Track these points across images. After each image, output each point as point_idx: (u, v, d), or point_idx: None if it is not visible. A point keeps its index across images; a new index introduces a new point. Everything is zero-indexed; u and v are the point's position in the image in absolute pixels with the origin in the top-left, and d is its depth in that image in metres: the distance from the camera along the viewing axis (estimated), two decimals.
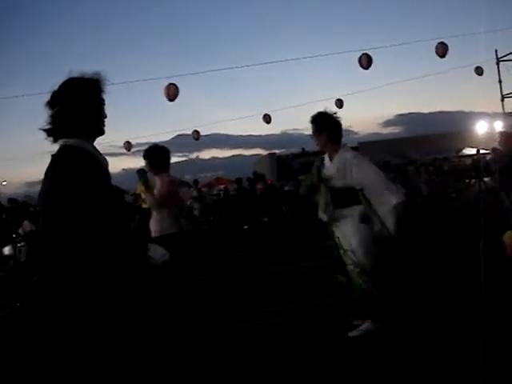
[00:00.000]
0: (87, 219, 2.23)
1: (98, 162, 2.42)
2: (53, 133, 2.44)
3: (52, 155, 2.39)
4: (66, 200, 2.22)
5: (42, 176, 2.36)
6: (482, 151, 23.35)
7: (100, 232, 2.27)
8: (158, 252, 2.60)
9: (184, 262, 5.07)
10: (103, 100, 2.56)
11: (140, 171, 5.82)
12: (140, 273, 2.47)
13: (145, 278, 2.51)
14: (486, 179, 17.76)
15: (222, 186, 28.53)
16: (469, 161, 23.86)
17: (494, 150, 10.28)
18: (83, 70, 2.50)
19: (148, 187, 5.34)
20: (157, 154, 5.38)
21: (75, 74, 2.48)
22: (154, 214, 5.30)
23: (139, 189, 12.05)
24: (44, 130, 2.44)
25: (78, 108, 2.41)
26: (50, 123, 2.44)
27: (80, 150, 2.36)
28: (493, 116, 25.12)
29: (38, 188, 2.39)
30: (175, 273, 5.08)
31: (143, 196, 11.70)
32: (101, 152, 2.52)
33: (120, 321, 2.31)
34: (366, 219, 4.52)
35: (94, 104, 2.49)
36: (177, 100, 17.26)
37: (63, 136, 2.41)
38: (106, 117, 2.58)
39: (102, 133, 2.57)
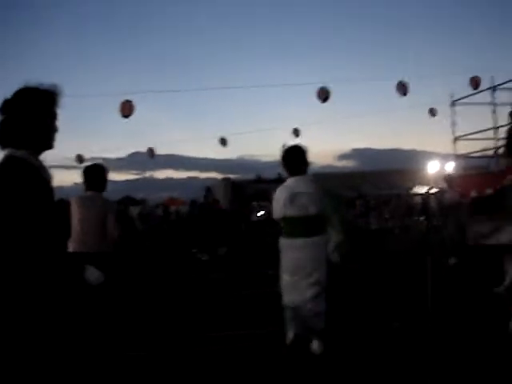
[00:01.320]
0: (20, 235, 2.18)
1: (40, 176, 2.33)
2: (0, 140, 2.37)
3: None
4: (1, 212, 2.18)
5: None
6: (432, 190, 23.89)
7: (33, 249, 2.20)
8: (93, 274, 2.56)
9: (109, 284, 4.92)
10: (55, 113, 2.48)
11: None
12: (75, 293, 2.42)
13: (81, 298, 2.50)
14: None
15: (174, 207, 28.27)
16: (419, 199, 24.34)
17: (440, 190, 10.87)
18: (39, 80, 2.44)
19: None
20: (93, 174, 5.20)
21: (31, 84, 2.40)
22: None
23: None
24: None
25: (27, 119, 2.34)
26: None
27: (23, 161, 2.29)
28: (444, 157, 25.77)
29: None
30: (107, 294, 4.94)
31: None
32: (46, 166, 2.43)
33: (51, 342, 2.24)
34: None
35: (45, 116, 2.42)
36: (135, 118, 17.07)
37: (9, 145, 2.33)
38: (56, 131, 2.49)
39: (50, 147, 2.48)
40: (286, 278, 4.74)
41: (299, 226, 4.69)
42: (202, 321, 6.23)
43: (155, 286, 8.91)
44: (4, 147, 2.35)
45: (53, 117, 2.47)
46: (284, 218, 4.78)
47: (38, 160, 2.39)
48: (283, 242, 4.83)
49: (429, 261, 4.03)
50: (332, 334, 4.74)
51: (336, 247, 4.69)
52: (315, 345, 4.61)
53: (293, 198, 4.67)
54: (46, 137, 2.44)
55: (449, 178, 11.22)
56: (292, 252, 4.68)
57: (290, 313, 4.75)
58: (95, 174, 5.20)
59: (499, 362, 4.27)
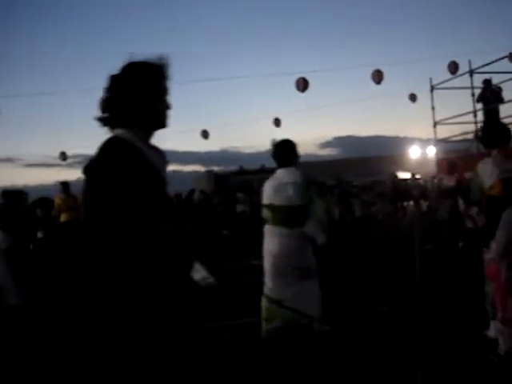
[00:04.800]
0: (121, 226, 1.99)
1: (145, 159, 2.14)
2: (107, 121, 2.23)
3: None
4: (101, 198, 2.02)
5: None
6: (417, 175, 24.15)
7: (137, 245, 2.01)
8: (201, 273, 2.39)
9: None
10: (166, 88, 2.32)
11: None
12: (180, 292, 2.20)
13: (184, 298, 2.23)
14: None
15: None
16: (403, 184, 24.47)
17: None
18: (147, 51, 2.26)
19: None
20: None
21: (137, 58, 2.25)
22: None
23: (56, 202, 11.77)
24: (98, 119, 2.24)
25: (134, 96, 2.19)
26: (104, 111, 2.24)
27: (125, 142, 2.13)
28: (425, 142, 25.97)
29: None
30: None
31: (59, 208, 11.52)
32: (158, 147, 2.29)
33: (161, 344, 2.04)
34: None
35: (156, 92, 2.26)
36: None
37: (118, 125, 2.19)
38: (168, 107, 2.33)
39: (163, 125, 2.32)
40: (268, 265, 4.77)
41: (283, 214, 4.74)
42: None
43: None
44: (113, 127, 2.22)
45: (164, 92, 2.31)
46: (269, 206, 4.86)
47: (147, 141, 2.24)
48: (267, 228, 4.89)
49: (416, 245, 4.07)
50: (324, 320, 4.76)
51: (319, 229, 4.70)
52: (315, 326, 4.63)
53: (279, 187, 4.77)
54: (157, 114, 2.29)
55: (449, 164, 11.28)
56: (274, 238, 4.74)
57: (270, 303, 4.74)
58: None
59: (486, 346, 4.34)
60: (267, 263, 4.82)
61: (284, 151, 4.94)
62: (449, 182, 10.57)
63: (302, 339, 4.52)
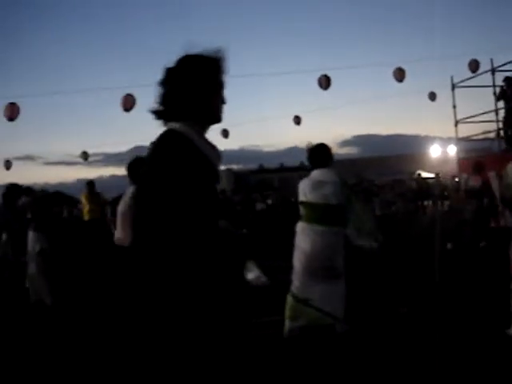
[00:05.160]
0: (176, 223, 1.92)
1: (201, 153, 2.08)
2: (162, 115, 2.20)
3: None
4: (158, 192, 1.96)
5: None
6: (440, 175, 23.91)
7: (190, 241, 1.94)
8: (254, 272, 2.29)
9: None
10: (222, 82, 2.27)
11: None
12: (233, 292, 2.14)
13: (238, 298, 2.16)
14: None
15: None
16: (425, 184, 24.26)
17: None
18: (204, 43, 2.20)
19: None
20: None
21: (194, 50, 2.20)
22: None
23: (84, 200, 12.02)
24: (153, 112, 2.21)
25: (190, 89, 2.14)
26: (159, 104, 2.20)
27: (182, 136, 2.08)
28: (446, 141, 25.75)
29: None
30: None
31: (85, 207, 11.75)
32: (211, 142, 2.22)
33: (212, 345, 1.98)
34: None
35: (210, 86, 2.20)
36: (136, 111, 17.11)
37: (173, 119, 2.15)
38: (224, 102, 2.28)
39: (218, 120, 2.27)
40: (298, 263, 4.83)
41: (318, 212, 4.81)
42: None
43: None
44: (167, 121, 2.18)
45: (220, 86, 2.25)
46: (304, 203, 4.95)
47: (202, 135, 2.19)
48: (300, 225, 4.95)
49: (437, 245, 4.07)
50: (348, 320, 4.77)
51: (366, 233, 4.76)
52: (338, 326, 4.67)
53: (315, 185, 4.88)
54: (213, 108, 2.23)
55: (475, 164, 11.17)
56: (307, 236, 4.80)
57: (296, 302, 4.77)
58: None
59: (506, 348, 4.33)
60: (297, 261, 4.87)
61: (320, 154, 5.05)
62: (474, 182, 10.46)
63: (325, 339, 4.55)
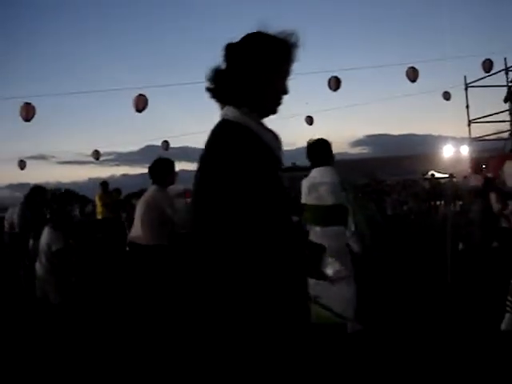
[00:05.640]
0: (246, 218, 1.77)
1: (263, 143, 1.90)
2: (217, 94, 2.00)
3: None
4: (219, 188, 1.79)
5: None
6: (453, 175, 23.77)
7: (264, 235, 1.79)
8: (333, 266, 2.07)
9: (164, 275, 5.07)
10: (288, 71, 2.02)
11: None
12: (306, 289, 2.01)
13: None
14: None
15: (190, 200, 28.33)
16: (437, 184, 24.17)
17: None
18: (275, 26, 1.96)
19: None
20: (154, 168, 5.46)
21: (266, 29, 1.96)
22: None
23: (97, 199, 12.25)
24: (208, 89, 2.01)
25: (251, 70, 1.93)
26: (214, 82, 1.99)
27: (240, 126, 1.89)
28: (459, 141, 25.60)
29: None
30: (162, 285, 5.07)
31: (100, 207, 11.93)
32: (270, 129, 2.00)
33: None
34: None
35: (274, 71, 1.96)
36: (148, 111, 17.18)
37: (230, 102, 1.95)
38: (285, 92, 2.03)
39: (273, 111, 2.04)
40: None
41: (315, 214, 4.78)
42: None
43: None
44: (224, 103, 1.99)
45: (285, 74, 2.01)
46: (304, 205, 4.92)
47: (259, 123, 1.97)
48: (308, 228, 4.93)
49: (448, 245, 4.06)
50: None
51: (357, 238, 4.72)
52: (349, 326, 4.66)
53: (311, 187, 4.84)
54: (272, 96, 2.00)
55: (474, 163, 11.12)
56: (317, 238, 4.77)
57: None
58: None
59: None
60: None
61: (318, 151, 4.94)
62: (476, 181, 10.40)
63: (335, 338, 4.54)
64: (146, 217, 5.28)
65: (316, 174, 4.89)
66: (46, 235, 6.21)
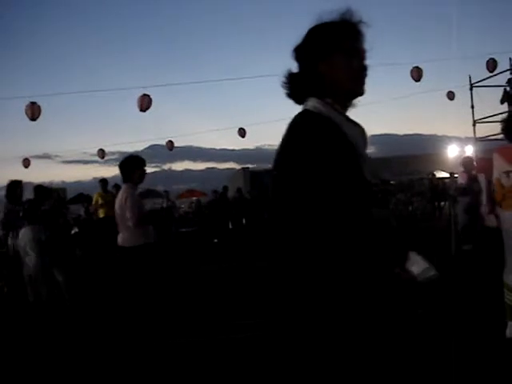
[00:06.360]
0: (328, 213, 1.70)
1: (344, 135, 1.82)
2: (296, 97, 1.99)
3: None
4: (298, 182, 1.73)
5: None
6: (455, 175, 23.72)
7: (347, 235, 1.73)
8: (420, 265, 1.94)
9: (150, 275, 5.04)
10: (359, 49, 1.96)
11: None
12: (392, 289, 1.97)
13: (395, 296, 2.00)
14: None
15: (195, 199, 28.37)
16: (440, 183, 24.11)
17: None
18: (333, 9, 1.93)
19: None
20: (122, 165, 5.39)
21: (323, 19, 1.94)
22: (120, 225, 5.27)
23: (95, 198, 12.23)
24: (287, 95, 2.00)
25: (322, 62, 1.90)
26: (290, 86, 1.98)
27: (320, 117, 1.83)
28: (464, 141, 25.52)
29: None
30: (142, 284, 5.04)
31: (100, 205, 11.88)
32: (353, 120, 1.95)
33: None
34: None
35: (344, 55, 1.91)
36: (152, 110, 17.19)
37: (307, 96, 1.92)
38: (365, 71, 1.97)
39: (357, 93, 1.97)
40: None
41: None
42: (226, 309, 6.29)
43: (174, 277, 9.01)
44: (301, 102, 1.95)
45: (356, 53, 1.94)
46: None
47: (344, 114, 1.93)
48: None
49: (453, 246, 4.03)
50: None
51: None
52: None
53: None
54: (350, 80, 1.93)
55: (463, 162, 11.04)
56: None
57: None
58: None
59: None
60: None
61: None
62: (462, 179, 10.32)
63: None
64: (122, 218, 5.23)
65: None
66: (26, 233, 6.20)
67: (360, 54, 1.96)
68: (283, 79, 1.99)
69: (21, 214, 6.53)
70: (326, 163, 1.71)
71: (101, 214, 11.82)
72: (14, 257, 6.59)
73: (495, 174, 4.60)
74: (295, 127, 1.86)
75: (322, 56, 1.91)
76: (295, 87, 1.98)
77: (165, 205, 17.80)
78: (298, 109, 1.95)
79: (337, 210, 1.71)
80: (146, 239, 5.16)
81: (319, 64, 1.91)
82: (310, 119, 1.84)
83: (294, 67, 1.99)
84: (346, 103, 1.96)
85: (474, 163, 10.95)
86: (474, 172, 10.31)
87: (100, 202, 11.79)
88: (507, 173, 4.45)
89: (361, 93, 1.96)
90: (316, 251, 1.72)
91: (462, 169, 10.46)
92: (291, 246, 1.78)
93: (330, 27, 1.94)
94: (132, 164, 5.35)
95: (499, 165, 4.57)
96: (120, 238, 5.23)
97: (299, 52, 1.97)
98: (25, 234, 6.20)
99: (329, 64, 1.91)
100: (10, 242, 6.84)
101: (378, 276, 1.84)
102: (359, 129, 1.95)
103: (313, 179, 1.71)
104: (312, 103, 1.90)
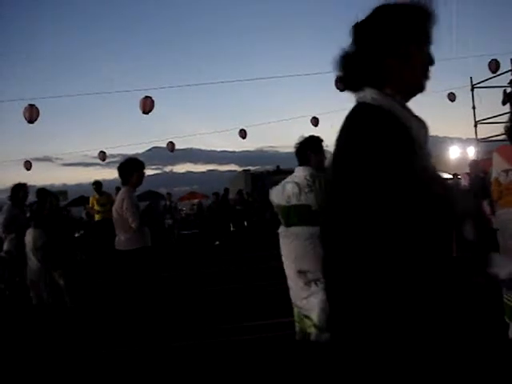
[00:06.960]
0: (384, 208, 1.52)
1: (407, 131, 1.61)
2: (350, 82, 1.77)
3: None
4: (354, 180, 1.57)
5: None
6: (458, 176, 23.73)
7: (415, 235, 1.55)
8: (508, 268, 1.84)
9: (148, 278, 5.02)
10: (428, 37, 1.72)
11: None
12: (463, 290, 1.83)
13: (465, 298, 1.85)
14: None
15: (196, 201, 28.38)
16: None
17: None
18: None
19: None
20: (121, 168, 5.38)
21: (389, 1, 1.70)
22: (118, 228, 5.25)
23: (91, 202, 12.19)
24: (339, 79, 1.79)
25: (385, 48, 1.67)
26: (345, 69, 1.76)
27: (381, 110, 1.63)
28: (466, 142, 25.51)
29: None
30: (140, 288, 5.02)
31: (96, 208, 11.85)
32: (415, 115, 1.73)
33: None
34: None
35: (410, 42, 1.68)
36: (153, 113, 17.17)
37: (365, 83, 1.71)
38: (431, 63, 1.75)
39: (419, 88, 1.76)
40: (285, 267, 4.63)
41: (282, 215, 4.63)
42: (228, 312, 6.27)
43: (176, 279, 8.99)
44: (357, 90, 1.75)
45: (424, 43, 1.72)
46: (277, 206, 4.75)
47: (406, 107, 1.72)
48: (280, 229, 4.74)
49: (454, 248, 3.98)
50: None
51: None
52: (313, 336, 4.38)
53: (281, 187, 4.67)
54: (415, 71, 1.72)
55: (471, 163, 11.03)
56: (281, 239, 4.65)
57: (294, 305, 4.62)
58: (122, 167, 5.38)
59: None
60: (284, 265, 4.66)
61: (300, 149, 4.67)
62: (464, 180, 10.33)
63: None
64: (120, 221, 5.20)
65: (294, 173, 4.66)
66: (30, 236, 6.21)
67: (429, 45, 1.74)
68: (338, 59, 1.76)
69: (28, 215, 6.52)
70: (389, 163, 1.52)
71: (97, 216, 11.82)
72: (15, 259, 6.58)
73: (494, 173, 4.65)
74: (353, 124, 1.68)
75: (394, 48, 1.68)
76: (352, 73, 1.75)
77: (167, 204, 17.88)
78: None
79: (415, 219, 1.54)
80: (143, 242, 5.14)
81: (388, 56, 1.68)
82: (369, 114, 1.64)
83: (350, 47, 1.75)
84: (407, 97, 1.75)
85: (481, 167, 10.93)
86: (481, 174, 10.31)
87: (95, 205, 11.76)
88: (506, 171, 4.51)
89: (423, 89, 1.78)
90: (397, 265, 1.57)
91: (466, 170, 10.46)
92: (364, 256, 1.59)
93: (404, 11, 1.69)
94: (130, 167, 5.34)
95: (498, 163, 4.64)
96: (117, 241, 5.21)
97: (363, 35, 1.72)
98: (29, 238, 6.21)
99: (401, 57, 1.68)
100: (11, 244, 6.82)
101: (460, 283, 1.78)
102: (422, 124, 1.74)
103: (385, 183, 1.52)
104: (370, 95, 1.68)
